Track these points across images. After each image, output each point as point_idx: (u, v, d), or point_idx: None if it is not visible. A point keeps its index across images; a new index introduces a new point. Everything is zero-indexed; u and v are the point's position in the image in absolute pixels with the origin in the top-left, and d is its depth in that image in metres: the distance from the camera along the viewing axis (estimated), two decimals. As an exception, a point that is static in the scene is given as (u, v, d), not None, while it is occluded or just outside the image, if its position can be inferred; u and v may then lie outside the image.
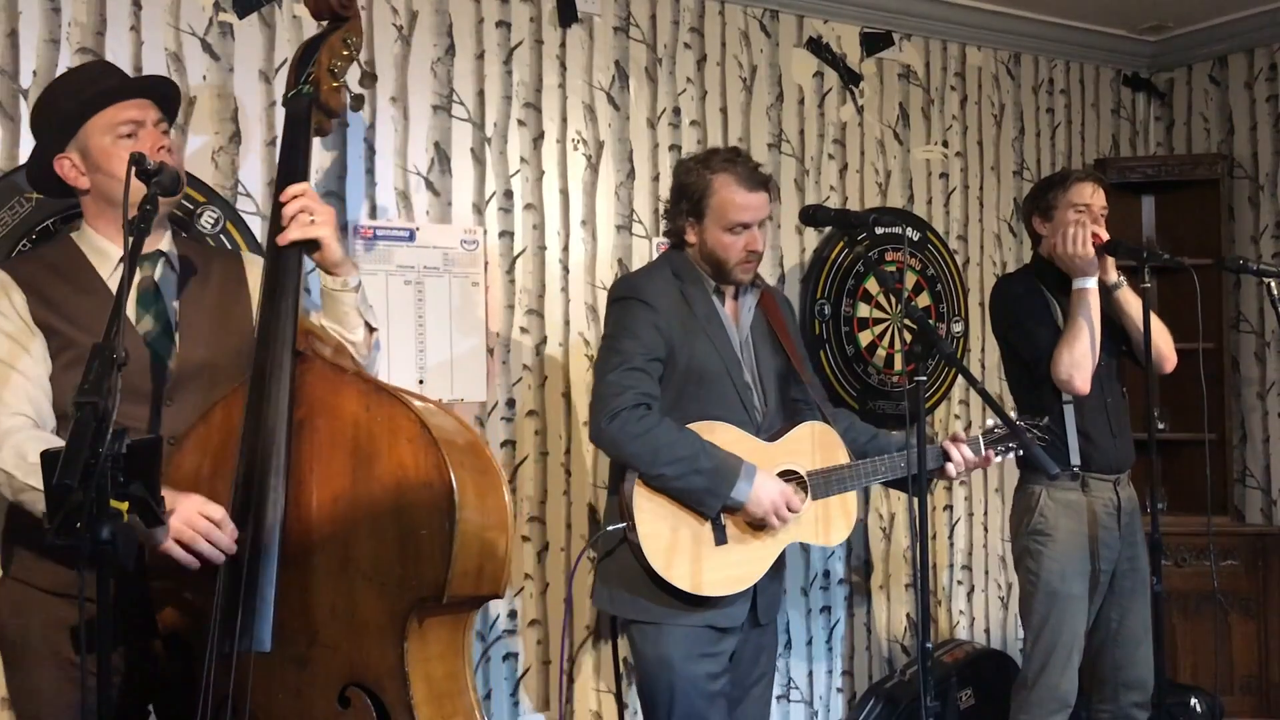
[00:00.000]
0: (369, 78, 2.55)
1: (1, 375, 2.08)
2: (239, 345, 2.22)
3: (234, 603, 1.95)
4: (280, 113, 2.76)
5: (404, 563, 1.93)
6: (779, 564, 2.82)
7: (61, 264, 2.22)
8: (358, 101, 2.49)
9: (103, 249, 2.23)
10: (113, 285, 2.19)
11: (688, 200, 2.75)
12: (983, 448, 2.84)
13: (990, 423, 2.89)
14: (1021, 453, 2.91)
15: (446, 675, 2.03)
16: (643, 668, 2.72)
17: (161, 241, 2.28)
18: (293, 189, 2.21)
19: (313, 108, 2.36)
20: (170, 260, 2.28)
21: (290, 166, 2.29)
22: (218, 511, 1.95)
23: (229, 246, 2.99)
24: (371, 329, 2.32)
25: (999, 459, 2.87)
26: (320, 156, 3.24)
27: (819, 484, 2.73)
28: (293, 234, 2.17)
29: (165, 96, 2.32)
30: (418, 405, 2.02)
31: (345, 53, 2.44)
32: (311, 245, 2.19)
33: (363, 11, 3.29)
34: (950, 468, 2.79)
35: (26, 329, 2.13)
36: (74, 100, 2.20)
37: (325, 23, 2.52)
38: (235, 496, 2.01)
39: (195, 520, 1.92)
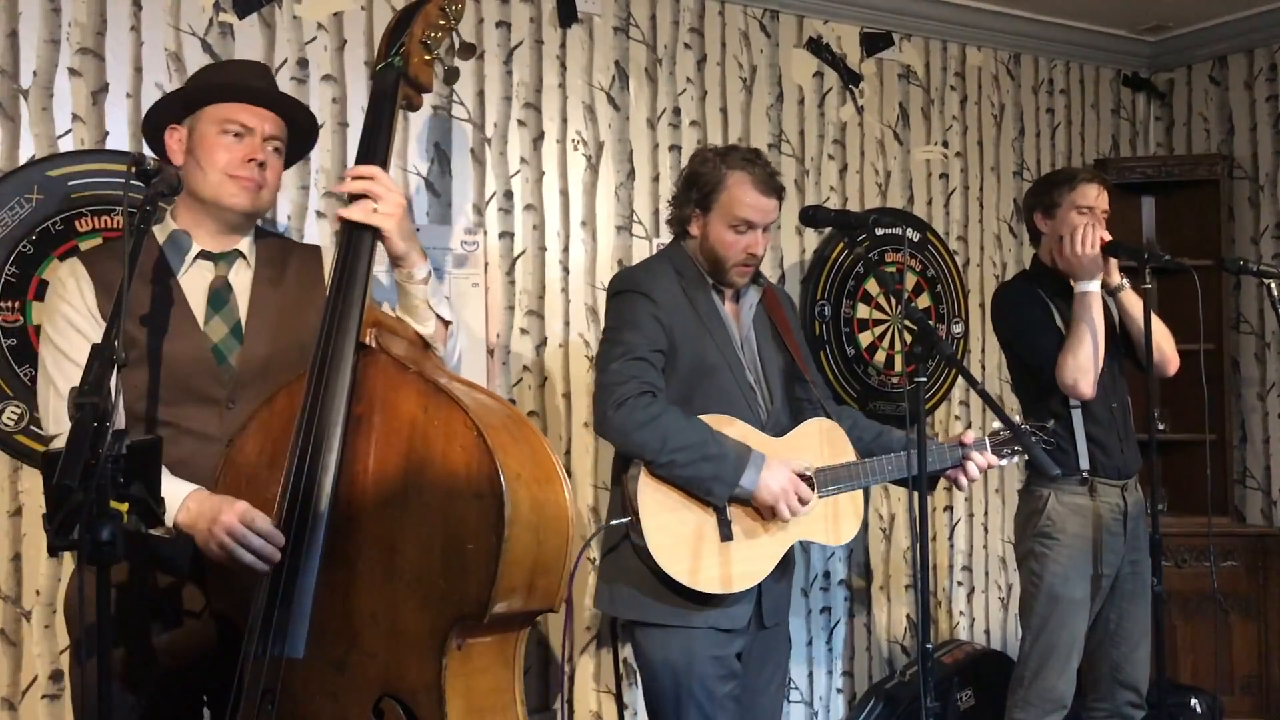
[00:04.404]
0: (466, 48, 2.35)
1: (69, 374, 2.03)
2: (306, 343, 2.08)
3: (273, 606, 1.89)
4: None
5: (448, 576, 1.84)
6: (786, 564, 2.75)
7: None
8: (452, 74, 2.31)
9: (179, 242, 2.18)
10: (184, 281, 2.15)
11: (698, 190, 2.69)
12: (988, 448, 2.82)
13: (995, 425, 2.88)
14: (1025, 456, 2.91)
15: (491, 689, 1.94)
16: (648, 673, 2.64)
17: (241, 242, 2.22)
18: (359, 169, 2.10)
19: (400, 82, 2.20)
20: (246, 259, 2.23)
21: (369, 145, 2.15)
22: (264, 522, 1.89)
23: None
24: (445, 322, 2.19)
25: (1003, 463, 2.86)
26: (319, 156, 3.25)
27: (826, 481, 2.67)
28: (353, 215, 2.06)
29: (295, 122, 2.27)
30: (477, 408, 1.89)
31: (443, 22, 2.25)
32: (377, 233, 2.09)
33: (361, 11, 3.31)
34: (962, 479, 2.79)
35: (94, 324, 2.07)
36: (212, 81, 2.19)
37: None
38: (285, 489, 1.94)
39: (236, 529, 1.87)
